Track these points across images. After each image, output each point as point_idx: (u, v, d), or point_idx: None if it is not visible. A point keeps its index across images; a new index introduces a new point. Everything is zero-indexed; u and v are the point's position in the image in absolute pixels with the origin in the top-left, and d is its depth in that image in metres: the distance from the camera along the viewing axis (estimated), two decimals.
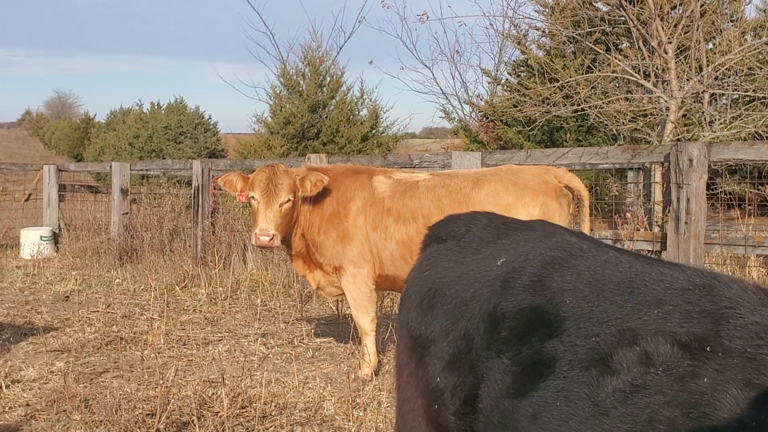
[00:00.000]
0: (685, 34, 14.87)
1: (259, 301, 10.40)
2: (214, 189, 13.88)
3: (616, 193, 13.28)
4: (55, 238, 17.06)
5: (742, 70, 14.71)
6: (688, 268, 2.09)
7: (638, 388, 1.79)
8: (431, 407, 2.44)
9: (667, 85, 15.25)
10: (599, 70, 16.56)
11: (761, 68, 14.79)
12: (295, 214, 7.44)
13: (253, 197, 7.34)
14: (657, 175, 11.66)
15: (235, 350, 8.43)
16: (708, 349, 1.76)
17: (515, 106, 19.34)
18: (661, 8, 14.96)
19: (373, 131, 26.63)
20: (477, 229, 2.83)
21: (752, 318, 1.78)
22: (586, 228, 7.37)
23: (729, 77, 14.71)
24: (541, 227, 2.68)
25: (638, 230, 9.99)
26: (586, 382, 1.89)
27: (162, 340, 8.63)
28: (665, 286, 1.99)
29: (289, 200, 7.28)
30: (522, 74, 23.17)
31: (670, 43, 14.76)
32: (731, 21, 17.58)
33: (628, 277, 2.09)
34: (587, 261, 2.25)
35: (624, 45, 18.74)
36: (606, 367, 1.87)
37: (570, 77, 16.91)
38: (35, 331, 9.01)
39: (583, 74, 16.98)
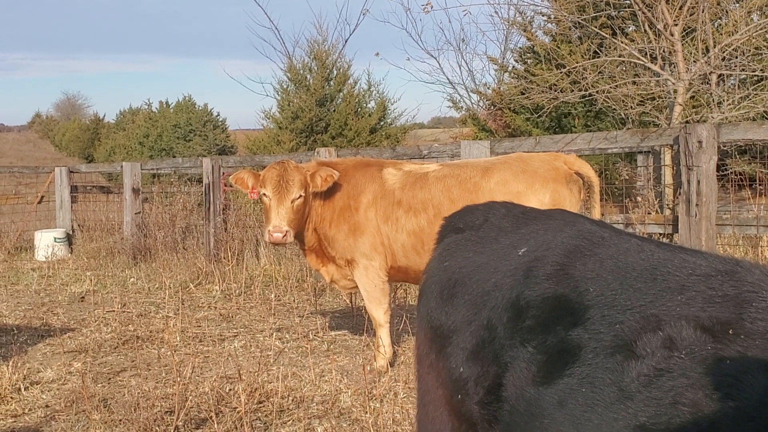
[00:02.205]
0: (690, 15, 14.81)
1: (273, 296, 10.43)
2: (225, 186, 13.90)
3: (627, 177, 13.28)
4: (69, 239, 17.11)
5: (750, 50, 14.64)
6: (711, 254, 2.10)
7: (662, 372, 1.80)
8: (454, 397, 2.45)
9: (674, 67, 15.21)
10: (606, 55, 16.51)
11: None
12: (307, 209, 7.46)
13: (264, 194, 7.36)
14: (667, 157, 11.64)
15: (250, 345, 8.46)
16: (730, 332, 1.77)
17: (523, 94, 19.29)
18: None
19: (382, 123, 26.60)
20: (495, 218, 2.83)
21: None
22: (596, 214, 7.37)
23: (736, 57, 14.66)
24: (560, 216, 2.68)
25: (649, 213, 9.99)
26: (611, 368, 1.90)
27: (178, 338, 8.66)
28: (688, 272, 2.00)
29: (300, 196, 7.31)
30: (528, 61, 23.11)
31: (676, 25, 14.70)
32: (737, 1, 17.48)
33: (650, 265, 2.10)
34: (609, 249, 2.26)
35: (630, 29, 18.67)
36: (630, 353, 1.89)
37: (577, 63, 16.86)
38: (52, 333, 9.06)
39: (589, 59, 16.93)
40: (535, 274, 2.31)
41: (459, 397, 2.41)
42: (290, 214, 7.29)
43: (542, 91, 17.80)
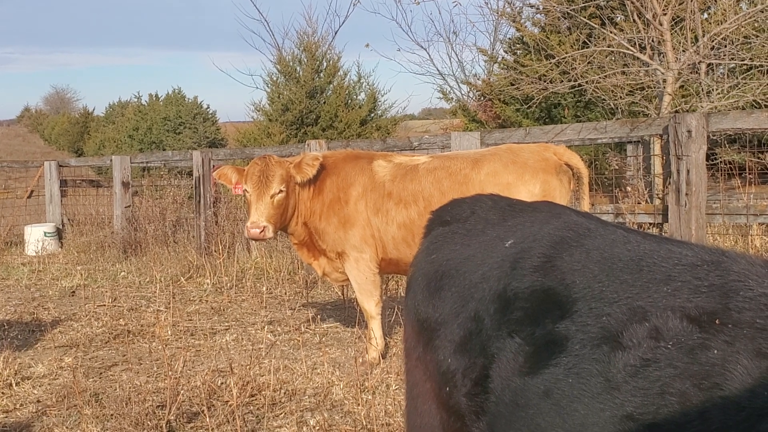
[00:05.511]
0: (679, 4, 14.81)
1: (264, 288, 10.43)
2: (215, 179, 13.89)
3: (616, 168, 13.28)
4: (59, 233, 17.09)
5: (738, 39, 14.65)
6: (697, 245, 2.10)
7: (649, 362, 1.80)
8: (442, 390, 2.45)
9: (664, 57, 15.22)
10: (595, 45, 16.52)
11: (757, 36, 14.74)
12: (292, 203, 7.46)
13: (245, 190, 7.38)
14: (656, 147, 11.66)
15: (242, 339, 8.45)
16: (717, 321, 1.77)
17: (512, 84, 19.32)
18: None
19: (372, 115, 26.64)
20: (482, 211, 2.83)
21: (761, 290, 1.79)
22: (585, 205, 7.39)
23: (725, 46, 14.66)
24: (546, 208, 2.69)
25: (639, 203, 10.00)
26: (598, 359, 1.90)
27: (169, 332, 8.65)
28: (674, 262, 2.00)
29: (281, 191, 7.31)
30: (518, 52, 23.15)
31: (665, 14, 14.70)
32: None
33: (636, 256, 2.10)
34: (595, 240, 2.26)
35: (619, 18, 18.68)
36: (617, 344, 1.89)
37: (566, 53, 16.87)
38: (43, 328, 9.04)
39: (578, 50, 16.94)
40: (521, 266, 2.32)
41: (447, 389, 2.42)
42: (270, 209, 7.28)
43: (532, 82, 17.82)
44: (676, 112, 13.96)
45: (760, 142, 14.41)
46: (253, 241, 10.28)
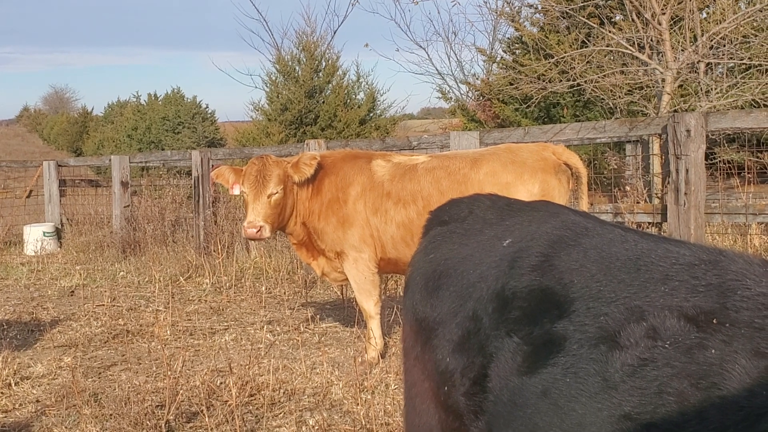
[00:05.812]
0: (678, 4, 14.82)
1: (263, 288, 10.42)
2: (213, 179, 13.88)
3: (615, 167, 13.28)
4: (58, 233, 17.08)
5: (737, 38, 14.67)
6: (694, 244, 2.10)
7: (646, 362, 1.80)
8: (440, 389, 2.45)
9: (662, 56, 15.23)
10: (594, 45, 16.53)
11: (756, 35, 14.76)
12: (290, 203, 7.46)
13: (243, 190, 7.38)
14: (655, 147, 11.66)
15: (241, 338, 8.45)
16: (714, 321, 1.77)
17: (511, 84, 19.34)
18: None
19: (371, 114, 26.64)
20: (480, 210, 2.83)
21: (758, 290, 1.79)
22: (584, 204, 7.39)
23: (724, 46, 14.68)
24: (544, 208, 2.69)
25: (638, 203, 10.00)
26: (596, 359, 1.90)
27: (168, 332, 8.64)
28: (671, 262, 2.00)
29: (277, 192, 7.31)
30: (517, 51, 23.15)
31: (664, 14, 14.71)
32: None
33: (634, 255, 2.10)
34: (593, 240, 2.26)
35: (618, 18, 18.69)
36: (614, 344, 1.88)
37: (565, 53, 16.89)
38: (42, 327, 9.04)
39: (577, 49, 16.95)
40: (519, 265, 2.32)
41: (445, 389, 2.42)
42: (267, 209, 7.28)
43: (531, 82, 17.83)
44: (675, 111, 13.96)
45: (759, 142, 14.43)
46: (252, 241, 10.29)
